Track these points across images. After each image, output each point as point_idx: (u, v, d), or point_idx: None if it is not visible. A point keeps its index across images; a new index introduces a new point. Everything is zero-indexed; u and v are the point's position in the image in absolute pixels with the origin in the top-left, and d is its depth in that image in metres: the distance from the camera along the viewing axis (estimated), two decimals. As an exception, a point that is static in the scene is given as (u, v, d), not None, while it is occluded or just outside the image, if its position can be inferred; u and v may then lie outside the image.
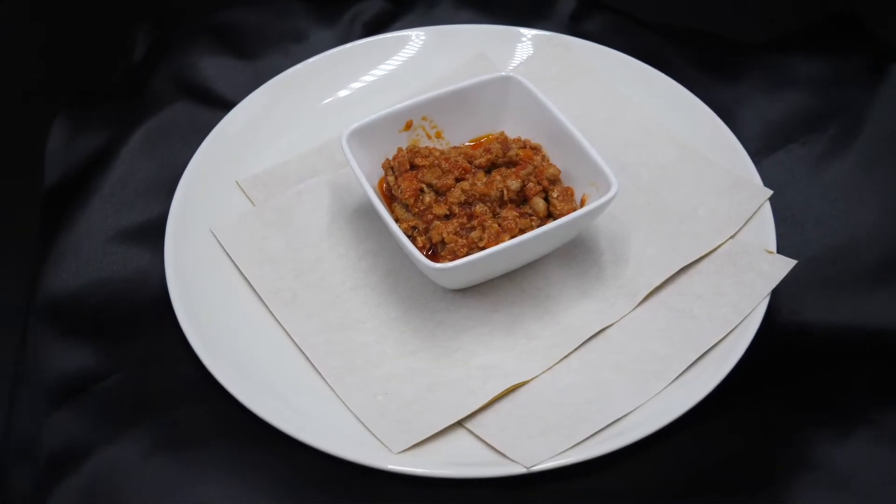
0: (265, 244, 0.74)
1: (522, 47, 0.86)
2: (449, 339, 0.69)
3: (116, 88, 0.83)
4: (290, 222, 0.75)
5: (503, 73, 0.76)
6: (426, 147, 0.74)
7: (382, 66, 0.86)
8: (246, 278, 0.71)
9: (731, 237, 0.72)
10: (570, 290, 0.71)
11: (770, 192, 0.73)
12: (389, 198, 0.74)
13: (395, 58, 0.86)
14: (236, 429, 0.63)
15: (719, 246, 0.72)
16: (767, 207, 0.73)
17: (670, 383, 0.65)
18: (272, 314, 0.70)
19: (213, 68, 0.84)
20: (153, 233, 0.73)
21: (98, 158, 0.77)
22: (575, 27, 0.90)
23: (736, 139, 0.77)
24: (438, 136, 0.77)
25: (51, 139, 0.78)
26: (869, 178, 0.75)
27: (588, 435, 0.62)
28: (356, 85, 0.85)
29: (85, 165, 0.77)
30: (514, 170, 0.73)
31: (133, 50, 0.86)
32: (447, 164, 0.72)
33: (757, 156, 0.78)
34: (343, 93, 0.84)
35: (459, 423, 0.64)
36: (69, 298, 0.70)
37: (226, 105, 0.82)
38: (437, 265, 0.65)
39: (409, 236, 0.71)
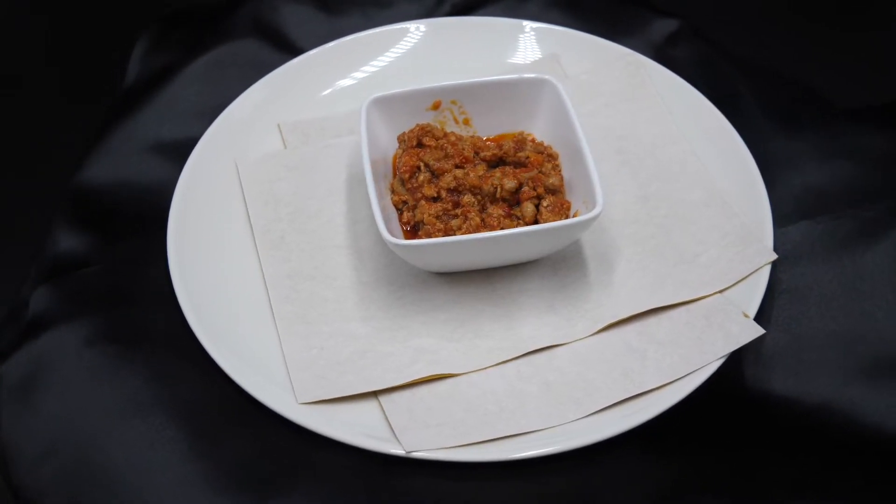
0: (278, 185, 0.77)
1: (592, 54, 0.85)
2: (401, 315, 0.70)
3: (201, 15, 0.89)
4: (308, 171, 0.79)
5: (539, 75, 0.76)
6: (441, 129, 0.75)
7: (467, 46, 0.87)
8: (248, 212, 0.76)
9: (719, 292, 0.69)
10: (539, 301, 0.70)
11: (774, 257, 0.69)
12: (398, 170, 0.75)
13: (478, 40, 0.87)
14: (177, 341, 0.67)
15: (703, 298, 0.69)
16: (766, 271, 0.69)
17: (587, 415, 0.63)
18: (256, 250, 0.74)
19: (292, 15, 0.89)
20: (186, 152, 0.78)
21: (161, 74, 0.84)
22: (662, 50, 0.88)
23: (766, 197, 0.73)
24: (466, 122, 0.78)
25: (133, 52, 0.86)
26: (892, 275, 0.69)
27: (481, 439, 0.62)
28: (427, 61, 0.86)
29: (149, 79, 0.84)
30: (515, 170, 0.73)
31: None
32: (452, 150, 0.73)
33: (784, 219, 0.73)
34: (411, 66, 0.86)
35: (375, 396, 0.65)
36: (91, 190, 0.77)
37: (293, 52, 0.86)
38: (393, 239, 0.66)
39: (398, 210, 0.73)
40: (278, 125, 0.82)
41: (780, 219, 0.73)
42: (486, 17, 0.89)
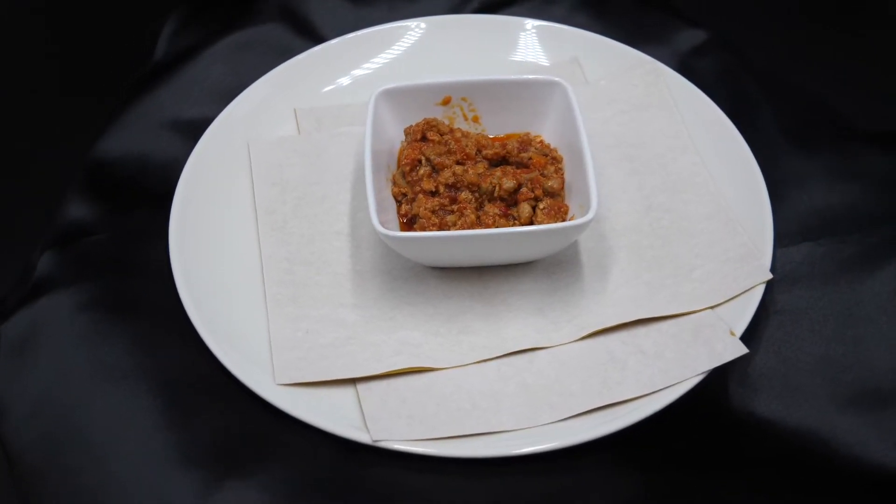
0: (286, 169, 0.79)
1: (613, 60, 0.85)
2: (390, 306, 0.70)
3: None
4: (317, 158, 0.79)
5: (550, 77, 0.76)
6: (447, 125, 0.76)
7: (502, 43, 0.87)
8: (254, 193, 0.77)
9: (711, 307, 0.68)
10: (528, 303, 0.70)
11: (769, 276, 0.68)
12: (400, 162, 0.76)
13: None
14: (168, 314, 0.68)
15: (693, 312, 0.68)
16: (759, 291, 0.68)
17: (560, 420, 0.63)
18: (257, 231, 0.75)
19: (319, 3, 0.90)
20: (201, 131, 0.80)
21: (185, 54, 0.86)
22: (687, 60, 0.87)
23: (770, 216, 0.72)
24: (475, 120, 0.78)
25: (163, 30, 0.88)
26: (888, 303, 0.67)
27: (450, 435, 0.62)
28: (444, 58, 0.86)
29: (173, 57, 0.86)
30: (516, 170, 0.73)
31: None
32: (455, 146, 0.73)
33: (787, 238, 0.72)
34: (428, 61, 0.86)
35: (354, 384, 0.66)
36: (107, 162, 0.79)
37: (317, 40, 0.87)
38: (383, 230, 0.67)
39: (397, 201, 0.74)
40: (294, 110, 0.83)
41: (784, 238, 0.72)
42: (509, 16, 0.89)
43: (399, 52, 0.87)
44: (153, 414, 0.63)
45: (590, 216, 0.67)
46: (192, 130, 0.81)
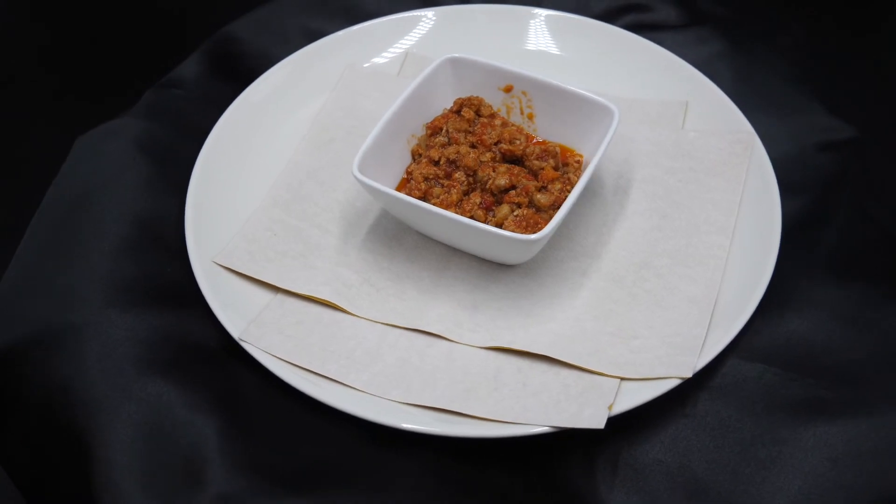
0: (360, 99, 0.84)
1: (718, 117, 0.80)
2: (354, 245, 0.74)
3: None
4: (391, 99, 0.83)
5: (606, 102, 0.74)
6: (490, 107, 0.77)
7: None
8: (321, 110, 0.83)
9: (619, 378, 0.64)
10: (468, 297, 0.71)
11: (687, 376, 0.63)
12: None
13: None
14: (183, 167, 0.77)
15: (598, 373, 0.65)
16: (669, 384, 0.63)
17: (405, 403, 0.64)
18: (301, 142, 0.81)
19: None
20: None
21: None
22: (806, 148, 0.79)
23: (738, 328, 0.66)
24: (530, 117, 0.78)
25: None
26: (790, 460, 0.60)
27: (307, 368, 0.65)
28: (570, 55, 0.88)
29: None
30: (523, 173, 0.72)
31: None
32: (480, 129, 0.74)
33: (748, 352, 0.66)
34: (565, 57, 0.87)
35: (276, 293, 0.71)
36: (232, 39, 0.89)
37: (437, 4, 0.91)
38: (357, 170, 0.70)
39: (413, 158, 0.77)
40: (406, 52, 0.87)
41: (745, 351, 0.66)
42: (648, 40, 0.86)
43: (531, 35, 0.88)
44: (107, 239, 0.72)
45: (529, 237, 0.66)
46: (311, 41, 0.88)
